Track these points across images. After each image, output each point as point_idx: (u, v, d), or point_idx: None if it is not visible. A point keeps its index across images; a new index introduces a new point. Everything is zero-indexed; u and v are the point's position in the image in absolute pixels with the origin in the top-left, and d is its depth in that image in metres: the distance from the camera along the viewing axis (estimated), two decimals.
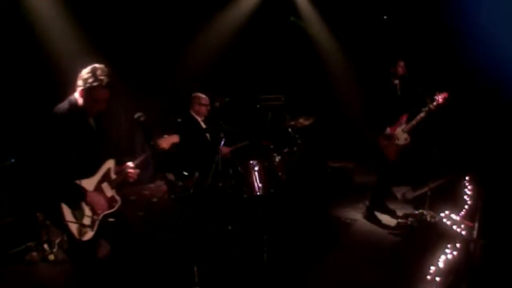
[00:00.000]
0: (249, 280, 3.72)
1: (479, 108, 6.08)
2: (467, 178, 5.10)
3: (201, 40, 7.43)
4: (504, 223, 3.90)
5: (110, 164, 2.97)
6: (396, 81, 4.82)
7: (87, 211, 2.74)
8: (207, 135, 4.98)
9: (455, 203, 4.86)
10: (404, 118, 4.80)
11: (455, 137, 6.00)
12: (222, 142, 4.64)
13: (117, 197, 2.95)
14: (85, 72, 2.80)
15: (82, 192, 2.73)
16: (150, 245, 4.48)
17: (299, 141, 5.46)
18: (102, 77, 2.75)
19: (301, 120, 5.57)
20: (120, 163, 3.06)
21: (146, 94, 6.86)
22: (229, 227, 4.53)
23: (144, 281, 3.72)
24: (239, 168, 4.70)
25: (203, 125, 5.00)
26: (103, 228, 2.82)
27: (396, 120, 4.80)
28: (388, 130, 4.79)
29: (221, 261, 3.96)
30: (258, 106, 6.66)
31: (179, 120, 4.94)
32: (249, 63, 7.65)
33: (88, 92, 2.77)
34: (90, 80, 2.75)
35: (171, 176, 4.74)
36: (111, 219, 2.84)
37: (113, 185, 2.96)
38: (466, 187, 4.99)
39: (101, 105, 2.85)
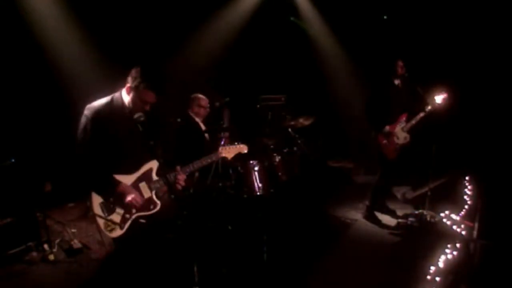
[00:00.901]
0: (249, 280, 3.72)
1: (479, 108, 6.08)
2: (467, 178, 5.10)
3: (201, 40, 7.43)
4: (504, 223, 3.90)
5: (152, 164, 2.87)
6: (397, 81, 4.85)
7: (118, 208, 2.68)
8: (206, 135, 4.97)
9: (455, 203, 4.86)
10: (403, 117, 4.83)
11: (455, 137, 6.00)
12: (222, 142, 4.64)
13: (157, 200, 2.85)
14: (136, 70, 2.84)
15: (115, 181, 2.66)
16: (150, 245, 4.48)
17: (299, 141, 5.47)
18: (151, 80, 2.79)
19: (301, 120, 5.57)
20: (168, 167, 2.93)
21: None
22: (229, 227, 4.53)
23: (144, 281, 3.72)
24: (239, 168, 4.70)
25: (203, 126, 4.99)
26: (139, 230, 2.75)
27: (396, 119, 4.83)
28: (388, 128, 4.80)
29: (221, 261, 3.96)
30: (258, 106, 6.66)
31: (179, 120, 4.94)
32: (249, 63, 7.65)
33: (135, 91, 2.81)
34: (140, 80, 2.79)
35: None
36: (143, 220, 2.76)
37: (153, 186, 2.87)
38: (466, 187, 4.99)
39: (146, 106, 2.85)
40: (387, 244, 4.45)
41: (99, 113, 2.74)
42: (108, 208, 2.68)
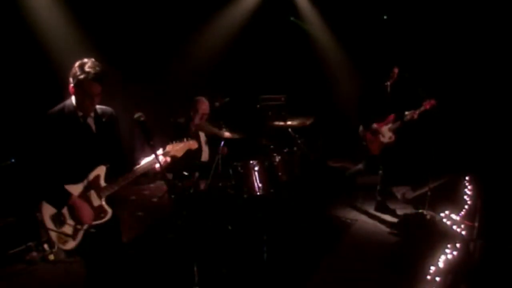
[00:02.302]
0: (249, 280, 3.72)
1: (479, 108, 6.08)
2: (467, 178, 5.10)
3: (201, 40, 7.43)
4: (504, 223, 3.90)
5: (100, 171, 2.72)
6: (389, 83, 5.09)
7: (69, 219, 2.59)
8: (203, 136, 5.02)
9: (455, 203, 4.85)
10: (391, 118, 5.10)
11: (455, 137, 6.00)
12: (222, 142, 4.65)
13: (107, 208, 2.70)
14: (73, 68, 2.65)
15: (67, 194, 2.57)
16: (150, 245, 4.48)
17: (299, 141, 5.46)
18: (89, 70, 2.59)
19: (301, 120, 5.57)
20: (115, 171, 2.78)
21: (146, 94, 6.86)
22: (229, 227, 4.53)
23: (144, 281, 3.72)
24: (239, 168, 4.70)
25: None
26: (94, 238, 2.65)
27: (384, 118, 5.11)
28: (375, 126, 5.10)
29: (221, 261, 3.96)
30: (258, 106, 6.66)
31: (179, 120, 4.95)
32: (250, 63, 7.65)
33: (77, 87, 2.63)
34: (77, 74, 2.60)
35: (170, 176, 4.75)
36: (93, 230, 2.63)
37: (102, 194, 2.70)
38: (466, 187, 4.99)
39: (93, 101, 2.66)
40: (387, 244, 4.45)
41: (49, 121, 2.64)
42: (59, 220, 2.58)
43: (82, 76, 2.59)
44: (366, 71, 6.60)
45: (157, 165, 2.75)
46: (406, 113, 5.00)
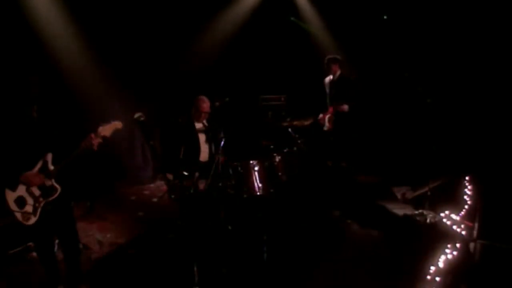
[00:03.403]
0: (249, 280, 3.72)
1: (479, 108, 6.08)
2: (467, 178, 5.09)
3: (201, 40, 7.43)
4: (504, 223, 3.90)
5: (47, 157, 3.21)
6: (330, 78, 6.21)
7: (29, 199, 3.17)
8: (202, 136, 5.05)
9: (455, 203, 4.85)
10: (331, 110, 6.12)
11: (455, 137, 6.00)
12: (222, 143, 4.64)
13: (56, 185, 3.23)
14: None
15: (17, 174, 3.11)
16: (150, 245, 4.49)
17: (299, 141, 5.46)
18: None
19: (301, 120, 5.57)
20: (58, 158, 3.24)
21: (146, 93, 6.86)
22: (229, 227, 4.53)
23: (144, 281, 3.72)
24: (239, 168, 4.70)
25: (205, 124, 5.09)
26: (49, 215, 3.23)
27: (327, 110, 6.17)
28: (320, 115, 6.15)
29: (221, 261, 3.96)
30: (258, 106, 6.67)
31: (179, 119, 4.95)
32: (250, 63, 7.65)
33: None
34: None
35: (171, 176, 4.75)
36: (49, 207, 3.20)
37: (52, 175, 3.21)
38: (466, 187, 4.99)
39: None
40: (387, 244, 4.45)
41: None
42: (22, 202, 3.18)
43: None
44: (366, 71, 6.62)
45: (94, 146, 3.21)
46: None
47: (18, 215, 3.18)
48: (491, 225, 3.95)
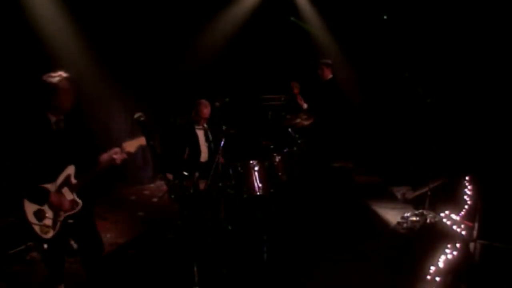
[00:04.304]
0: (249, 280, 3.73)
1: (479, 108, 6.08)
2: (467, 178, 5.09)
3: (201, 40, 7.44)
4: (504, 223, 3.90)
5: (69, 170, 3.12)
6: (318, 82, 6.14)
7: (49, 213, 3.03)
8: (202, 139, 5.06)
9: (455, 203, 4.85)
10: (296, 90, 6.14)
11: (454, 137, 6.00)
12: (222, 143, 4.64)
13: (78, 200, 3.13)
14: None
15: (46, 192, 2.98)
16: (150, 245, 4.49)
17: (299, 141, 5.46)
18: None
19: (301, 120, 5.56)
20: (83, 170, 3.16)
21: (146, 94, 6.87)
22: (229, 227, 4.53)
23: (144, 281, 3.73)
24: (239, 168, 4.70)
25: (205, 126, 5.10)
26: (69, 228, 3.10)
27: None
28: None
29: (221, 261, 3.96)
30: (258, 106, 6.66)
31: (179, 121, 4.97)
32: (250, 63, 7.65)
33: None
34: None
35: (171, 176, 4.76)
36: (71, 221, 3.09)
37: (74, 189, 3.12)
38: (466, 187, 4.99)
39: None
40: (387, 244, 4.45)
41: (26, 126, 2.99)
42: (41, 215, 3.02)
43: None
44: (367, 72, 6.62)
45: (117, 161, 3.17)
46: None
47: (37, 228, 3.01)
48: (491, 225, 3.95)
